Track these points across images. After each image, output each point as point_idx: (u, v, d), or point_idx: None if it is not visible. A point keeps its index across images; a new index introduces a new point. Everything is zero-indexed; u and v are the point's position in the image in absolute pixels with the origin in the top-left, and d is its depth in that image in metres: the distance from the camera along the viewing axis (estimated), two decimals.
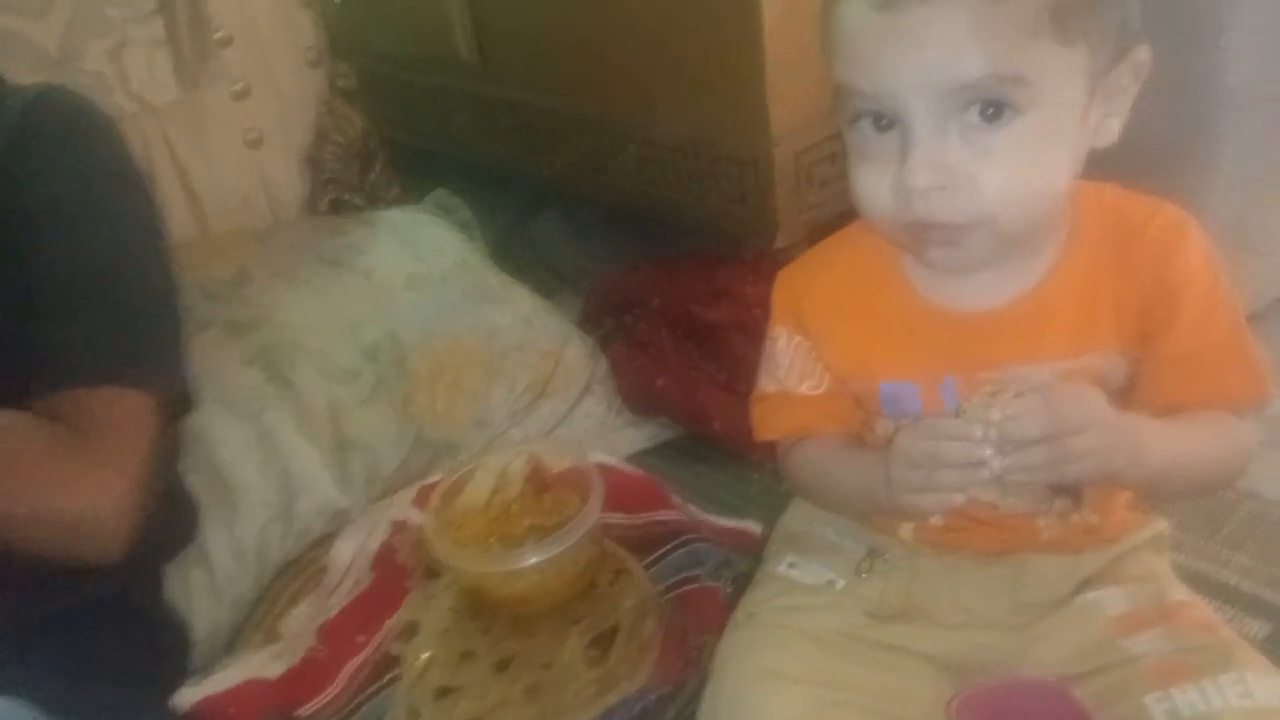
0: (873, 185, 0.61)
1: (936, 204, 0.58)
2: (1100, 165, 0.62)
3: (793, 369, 0.72)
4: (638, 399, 1.18)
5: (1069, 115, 0.58)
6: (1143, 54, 0.60)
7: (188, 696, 0.82)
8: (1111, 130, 0.61)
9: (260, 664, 0.86)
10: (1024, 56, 0.55)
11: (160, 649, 0.85)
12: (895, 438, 0.62)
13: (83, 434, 0.71)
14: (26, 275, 0.74)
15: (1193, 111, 1.12)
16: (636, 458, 1.10)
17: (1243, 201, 1.16)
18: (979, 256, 0.62)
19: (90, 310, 0.75)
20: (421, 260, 1.19)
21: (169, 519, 0.86)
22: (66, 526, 0.70)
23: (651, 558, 0.90)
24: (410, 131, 1.52)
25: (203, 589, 0.92)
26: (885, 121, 0.59)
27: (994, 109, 0.56)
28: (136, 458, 0.73)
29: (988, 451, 0.57)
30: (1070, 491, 0.65)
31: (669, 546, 0.90)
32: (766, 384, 0.74)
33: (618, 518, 0.92)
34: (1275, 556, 0.94)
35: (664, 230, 1.28)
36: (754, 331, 1.06)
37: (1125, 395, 0.66)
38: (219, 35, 1.16)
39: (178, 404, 0.82)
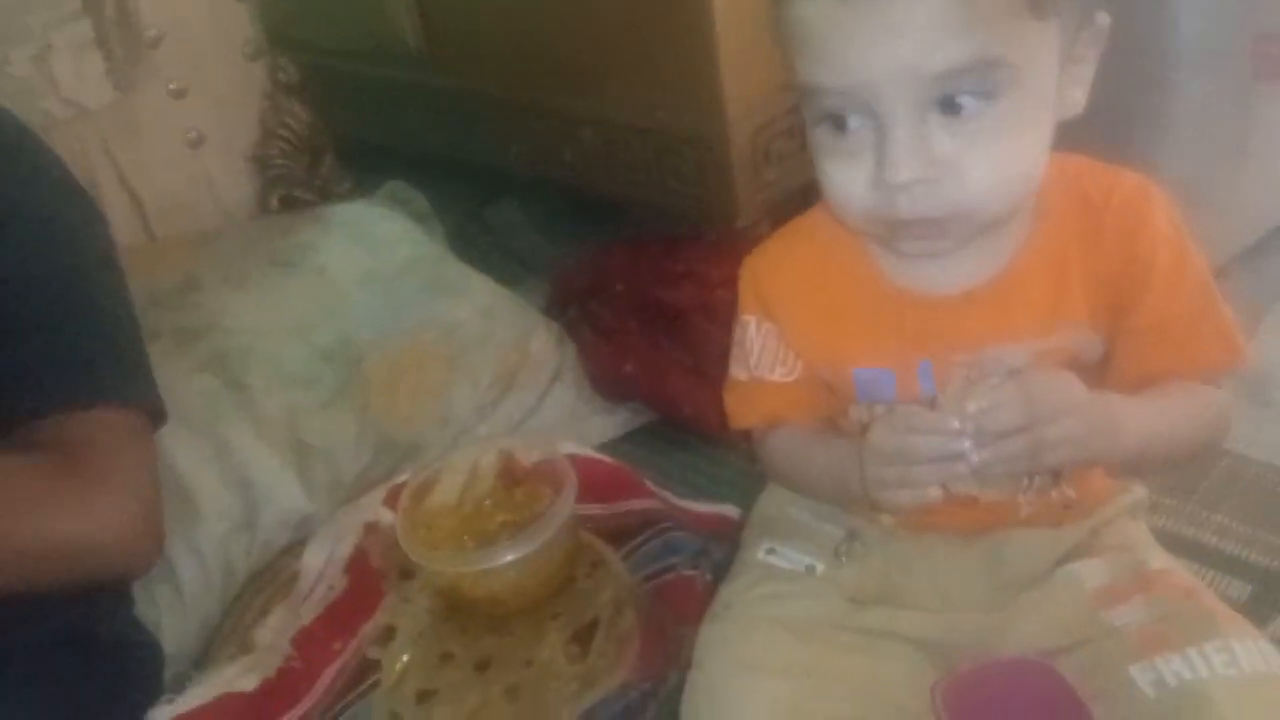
0: (847, 183, 0.59)
1: (921, 197, 0.56)
2: (1059, 130, 0.61)
3: (763, 356, 0.71)
4: (607, 385, 1.17)
5: (1045, 92, 0.57)
6: (1102, 19, 0.59)
7: (162, 715, 0.80)
8: (1076, 101, 0.60)
9: (234, 677, 0.84)
10: (1001, 38, 0.54)
11: (132, 670, 0.83)
12: (869, 433, 0.61)
13: (85, 458, 0.70)
14: None
15: (1145, 69, 1.13)
16: (609, 445, 1.09)
17: (1197, 158, 1.16)
18: (957, 244, 0.61)
19: (67, 328, 0.72)
20: (375, 256, 1.17)
21: None
22: (97, 556, 0.70)
23: (628, 547, 0.89)
24: (361, 125, 1.49)
25: (170, 604, 0.90)
26: (856, 120, 0.57)
27: (972, 94, 0.54)
28: (147, 473, 0.74)
29: (965, 444, 0.56)
30: (1047, 471, 0.65)
31: (645, 535, 0.89)
32: (738, 372, 0.73)
33: (593, 508, 0.91)
34: (1253, 515, 0.95)
35: (624, 214, 1.27)
36: (718, 313, 1.05)
37: (1099, 371, 0.65)
38: (150, 34, 1.13)
39: (157, 417, 0.80)
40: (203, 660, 0.90)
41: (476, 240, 1.47)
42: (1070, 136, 0.63)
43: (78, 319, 0.73)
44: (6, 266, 0.71)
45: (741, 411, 0.74)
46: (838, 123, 0.57)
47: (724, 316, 0.75)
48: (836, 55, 0.55)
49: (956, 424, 0.56)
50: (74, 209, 0.78)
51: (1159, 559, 0.69)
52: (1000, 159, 0.56)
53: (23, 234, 0.73)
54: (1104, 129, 0.63)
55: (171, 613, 0.89)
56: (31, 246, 0.73)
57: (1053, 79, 0.57)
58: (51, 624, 0.75)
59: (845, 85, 0.56)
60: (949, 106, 0.55)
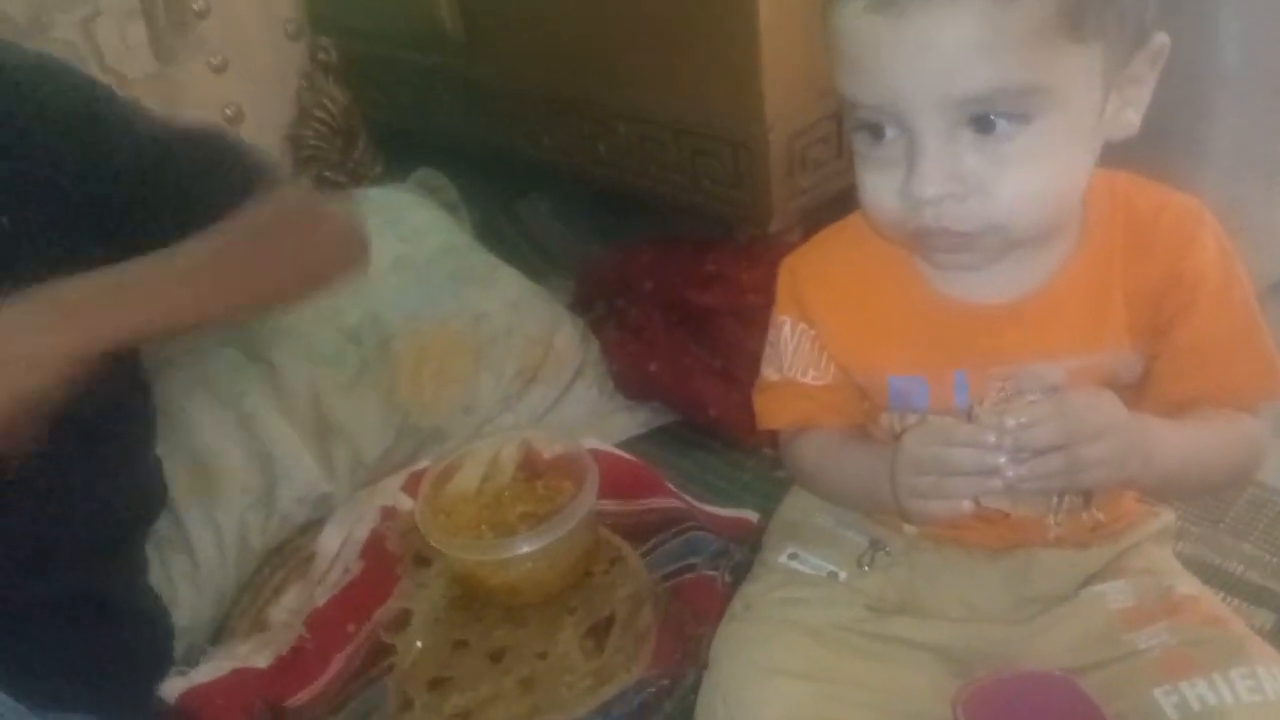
0: (880, 192, 0.59)
1: (948, 212, 0.57)
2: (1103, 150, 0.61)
3: (796, 358, 0.71)
4: (630, 384, 1.16)
5: (1085, 115, 0.56)
6: (1160, 40, 0.58)
7: (174, 687, 0.80)
8: (1130, 122, 0.59)
9: (247, 654, 0.84)
10: (1036, 63, 0.53)
11: (142, 638, 0.83)
12: (902, 440, 0.60)
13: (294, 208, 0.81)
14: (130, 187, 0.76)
15: (1187, 94, 1.12)
16: (630, 444, 1.09)
17: (1237, 185, 1.16)
18: (989, 258, 0.61)
19: (202, 156, 0.79)
20: (406, 241, 1.17)
21: (136, 492, 0.85)
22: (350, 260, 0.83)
23: (647, 546, 0.88)
24: (394, 111, 1.49)
25: (184, 576, 0.90)
26: (891, 131, 0.57)
27: (1005, 117, 0.54)
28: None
29: (1001, 459, 0.56)
30: (1080, 491, 0.64)
31: (665, 535, 0.89)
32: (770, 372, 0.73)
33: (612, 505, 0.91)
34: (1279, 545, 0.95)
35: (655, 213, 1.26)
36: (747, 317, 1.05)
37: (1138, 391, 0.65)
38: (196, 7, 1.13)
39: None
40: (217, 635, 0.90)
41: (505, 232, 1.47)
42: (1109, 159, 0.62)
43: (198, 146, 0.80)
44: (120, 155, 0.75)
45: (771, 412, 0.74)
46: (874, 132, 0.58)
47: (752, 320, 0.75)
48: (872, 70, 0.56)
49: (993, 438, 0.56)
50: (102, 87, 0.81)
51: (1186, 584, 0.69)
52: (1030, 181, 0.56)
53: (111, 122, 0.76)
54: (1143, 153, 0.63)
55: (186, 584, 0.89)
56: (123, 127, 0.76)
57: (1094, 102, 0.56)
58: (63, 582, 0.75)
59: (879, 100, 0.56)
60: (980, 126, 0.55)
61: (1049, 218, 0.59)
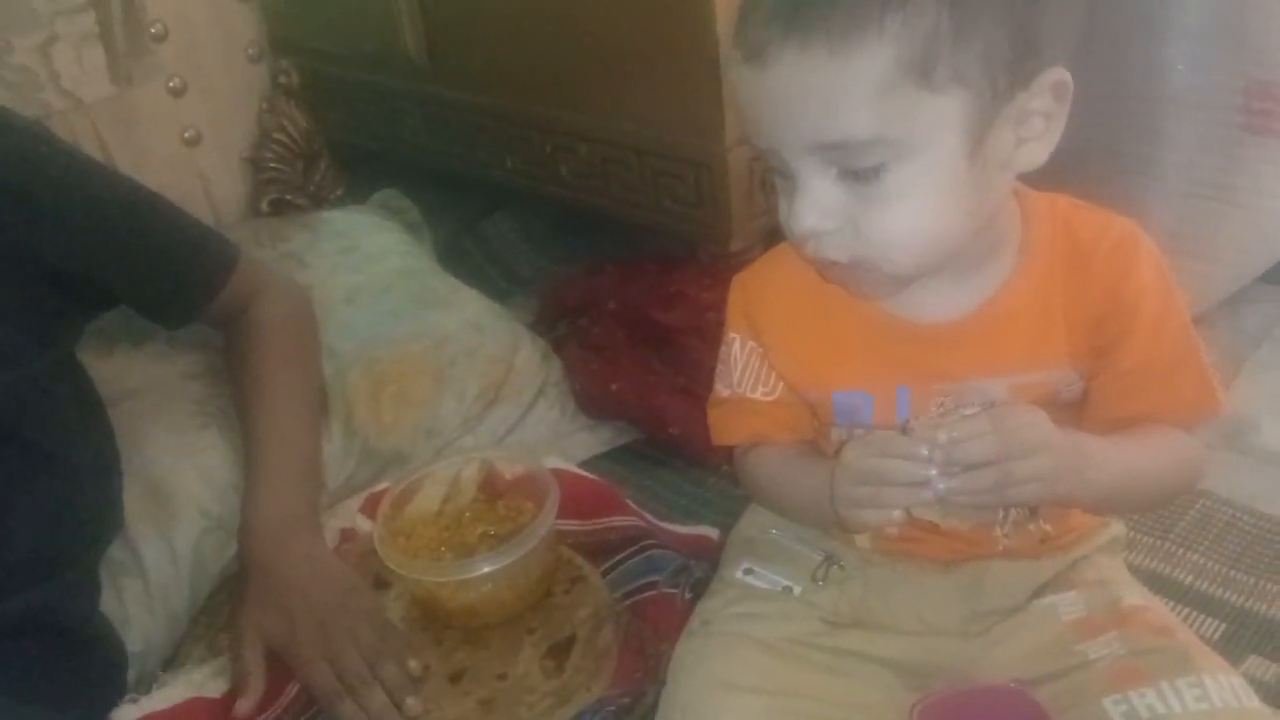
0: (784, 223, 0.62)
1: (822, 244, 0.60)
2: (1041, 170, 0.62)
3: (746, 375, 0.72)
4: (593, 403, 1.17)
5: (950, 159, 0.57)
6: (1056, 76, 0.58)
7: (127, 715, 0.78)
8: (1033, 155, 0.59)
9: (202, 681, 0.82)
10: (882, 114, 0.55)
11: (96, 662, 0.82)
12: (842, 452, 0.62)
13: (262, 294, 0.91)
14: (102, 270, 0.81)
15: (1133, 116, 1.14)
16: (592, 462, 1.09)
17: (1183, 206, 1.18)
18: (880, 289, 0.63)
19: (174, 231, 0.86)
20: (363, 271, 1.17)
21: (91, 514, 0.84)
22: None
23: (608, 564, 0.88)
24: (357, 132, 1.49)
25: (137, 600, 0.88)
26: (780, 170, 0.60)
27: (867, 163, 0.56)
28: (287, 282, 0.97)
29: (932, 471, 0.57)
30: (1018, 505, 0.65)
31: (626, 553, 0.89)
32: (721, 389, 0.74)
33: (573, 524, 0.90)
34: (1228, 555, 0.96)
35: (618, 232, 1.27)
36: (709, 335, 1.05)
37: (1077, 410, 0.66)
38: (154, 30, 1.12)
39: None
40: (170, 661, 0.88)
41: (468, 252, 1.47)
42: (1059, 179, 0.64)
43: (170, 220, 0.87)
44: (84, 219, 0.79)
45: (723, 428, 0.75)
46: (775, 168, 0.61)
47: (714, 338, 0.76)
48: (751, 116, 0.59)
49: (925, 451, 0.57)
50: (61, 145, 0.84)
51: (1135, 595, 0.70)
52: (895, 221, 0.58)
53: (66, 193, 0.78)
54: (1091, 172, 0.64)
55: (139, 608, 0.88)
56: (94, 198, 0.80)
57: (960, 145, 0.57)
58: (13, 604, 0.75)
59: (762, 143, 0.60)
60: (847, 170, 0.57)
61: (928, 254, 0.60)
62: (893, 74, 0.54)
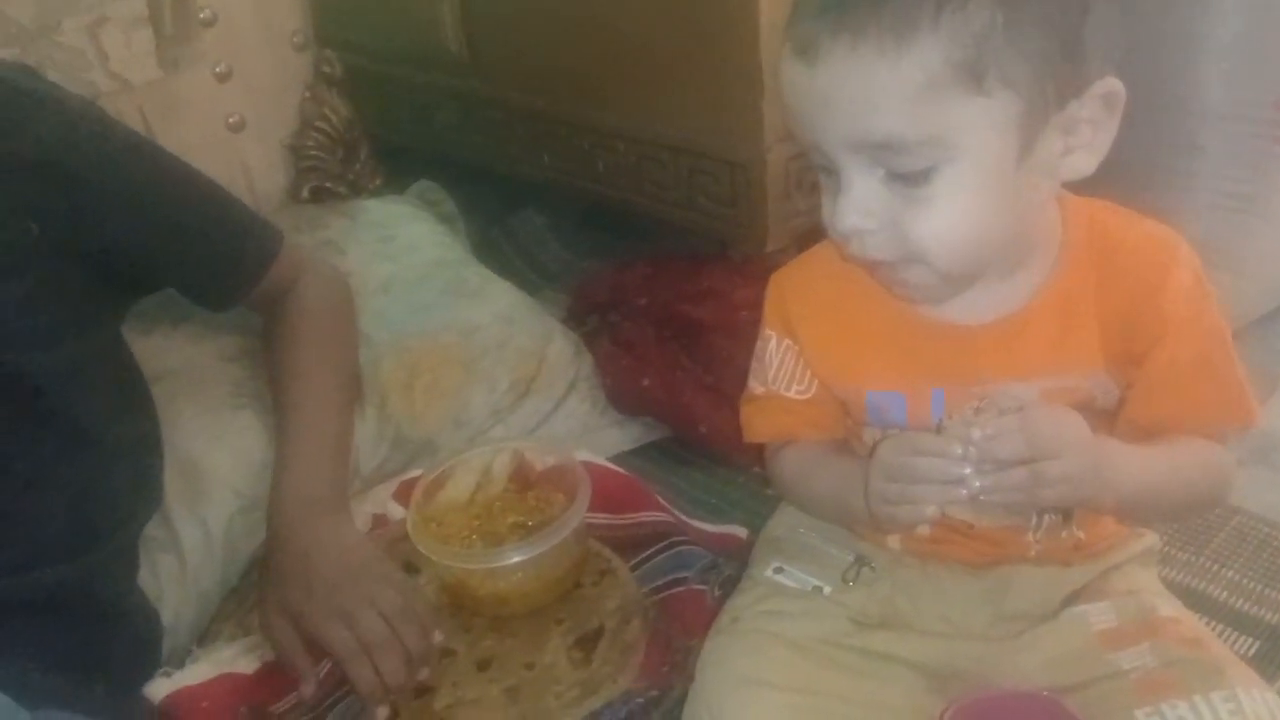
0: (826, 221, 0.62)
1: (865, 243, 0.60)
2: (1079, 183, 0.62)
3: (781, 372, 0.72)
4: (623, 399, 1.17)
5: (996, 163, 0.57)
6: (1109, 86, 0.58)
7: (160, 688, 0.79)
8: (1081, 163, 0.60)
9: (233, 658, 0.84)
10: (930, 115, 0.55)
11: (131, 636, 0.83)
12: (876, 449, 0.62)
13: (304, 278, 0.93)
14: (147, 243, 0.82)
15: (1171, 129, 1.14)
16: (621, 458, 1.09)
17: (1221, 220, 1.17)
18: (928, 290, 0.63)
19: (220, 213, 0.88)
20: (399, 260, 1.18)
21: (131, 492, 0.85)
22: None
23: (637, 559, 0.89)
24: (394, 126, 1.50)
25: (171, 577, 0.89)
26: (826, 168, 0.60)
27: (913, 163, 0.56)
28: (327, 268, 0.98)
29: (966, 470, 0.57)
30: (1055, 508, 0.65)
31: (655, 548, 0.89)
32: (755, 385, 0.74)
33: (603, 518, 0.91)
34: (1262, 572, 0.95)
35: (651, 230, 1.28)
36: (740, 334, 1.06)
37: (1112, 416, 0.66)
38: (203, 15, 1.14)
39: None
40: (201, 637, 0.89)
41: (501, 247, 1.48)
42: (1092, 190, 0.64)
43: (218, 203, 0.88)
44: (132, 200, 0.80)
45: (756, 425, 0.75)
46: (819, 168, 0.61)
47: (745, 337, 0.76)
48: (799, 114, 0.59)
49: (959, 449, 0.58)
50: (114, 124, 0.84)
51: (1168, 607, 0.70)
52: (939, 223, 0.58)
53: (118, 173, 0.79)
54: (1128, 186, 0.64)
55: (172, 585, 0.89)
56: (143, 180, 0.81)
57: (1009, 151, 0.57)
58: (48, 577, 0.75)
59: (809, 141, 0.59)
60: (893, 169, 0.57)
61: (969, 257, 0.61)
62: (942, 74, 0.54)
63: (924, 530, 0.70)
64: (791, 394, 0.72)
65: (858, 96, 0.55)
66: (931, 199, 0.57)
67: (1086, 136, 0.59)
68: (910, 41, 0.54)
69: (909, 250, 0.59)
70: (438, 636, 0.80)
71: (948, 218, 0.58)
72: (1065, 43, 0.56)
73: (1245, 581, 0.94)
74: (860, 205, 0.58)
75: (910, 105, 0.55)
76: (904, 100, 0.55)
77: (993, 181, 0.58)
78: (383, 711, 0.77)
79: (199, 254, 0.86)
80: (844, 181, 0.58)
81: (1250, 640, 0.88)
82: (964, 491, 0.58)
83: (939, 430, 0.59)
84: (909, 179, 0.57)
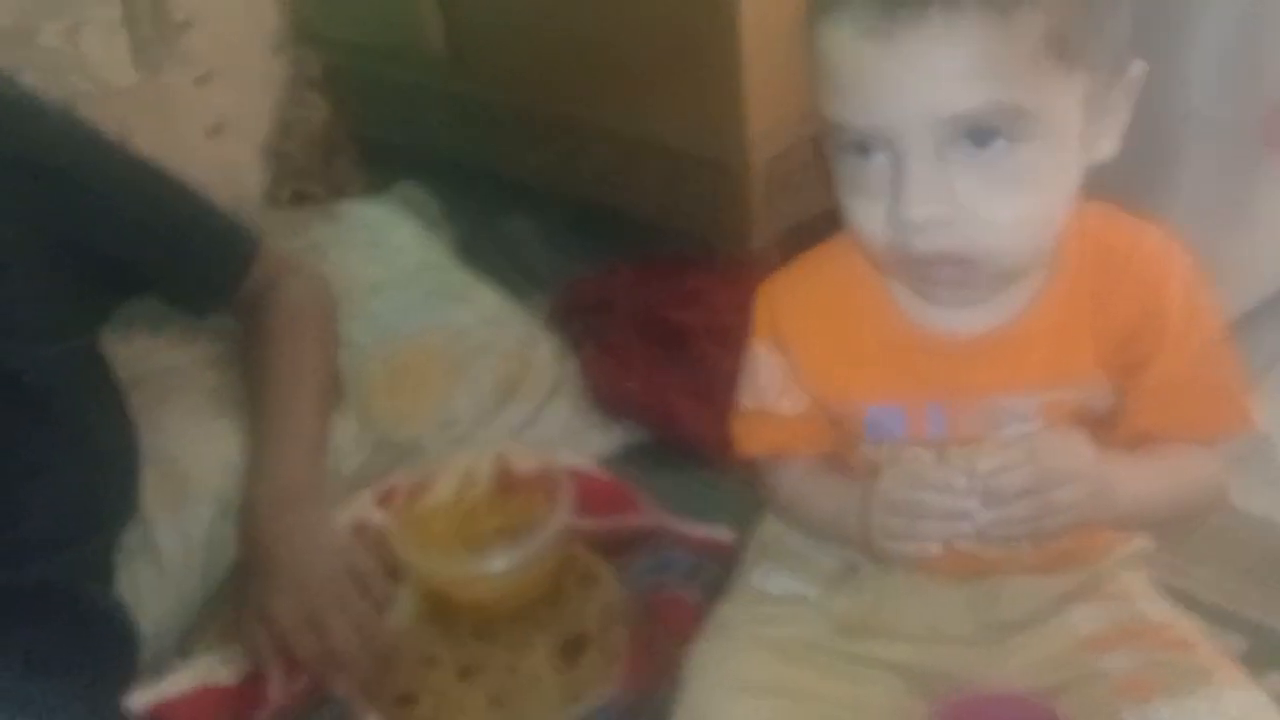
0: (867, 217, 0.59)
1: (935, 237, 0.56)
2: None
3: (771, 386, 0.71)
4: (607, 402, 1.16)
5: (1068, 141, 0.57)
6: (1138, 69, 0.59)
7: (139, 700, 0.78)
8: (1104, 150, 0.60)
9: (212, 668, 0.83)
10: (1026, 85, 0.54)
11: (106, 640, 0.82)
12: (879, 481, 0.61)
13: (284, 280, 0.92)
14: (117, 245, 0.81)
15: (1153, 133, 1.13)
16: (605, 461, 1.08)
17: (1203, 224, 1.17)
18: (983, 289, 0.61)
19: (197, 216, 0.87)
20: (381, 263, 1.17)
21: (109, 491, 0.85)
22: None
23: (620, 562, 0.88)
24: (378, 125, 1.49)
25: (150, 583, 0.89)
26: (879, 154, 0.57)
27: (993, 139, 0.55)
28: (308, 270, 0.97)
29: (971, 504, 0.56)
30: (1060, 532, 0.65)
31: (639, 552, 0.89)
32: (745, 400, 0.73)
33: (587, 521, 0.90)
34: (1245, 571, 0.96)
35: (635, 232, 1.27)
36: (725, 337, 1.05)
37: (1109, 423, 0.65)
38: (180, 18, 1.13)
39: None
40: (181, 645, 0.88)
41: (485, 249, 1.46)
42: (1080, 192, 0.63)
43: (196, 206, 0.88)
44: (113, 203, 0.80)
45: (747, 440, 0.74)
46: (860, 153, 0.57)
47: (730, 339, 0.76)
48: (858, 91, 0.55)
49: (964, 482, 0.57)
50: (92, 130, 0.84)
51: (1157, 609, 0.69)
52: (1016, 204, 0.56)
53: (98, 176, 0.79)
54: (1109, 189, 0.63)
55: (150, 592, 0.88)
56: (125, 183, 0.81)
57: (1076, 128, 0.57)
58: (27, 576, 0.75)
59: (868, 122, 0.56)
60: (967, 148, 0.55)
61: (1035, 243, 0.59)
62: (1041, 44, 0.53)
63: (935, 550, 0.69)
64: (783, 408, 0.70)
65: (956, 66, 0.53)
66: (1005, 178, 0.55)
67: (1112, 122, 0.59)
68: (1012, 12, 0.52)
69: (975, 239, 0.56)
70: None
71: (1020, 199, 0.56)
72: (1126, 22, 0.57)
73: (1226, 580, 0.95)
74: (932, 191, 0.55)
75: (1009, 74, 0.53)
76: (1004, 68, 0.53)
77: (1065, 162, 0.57)
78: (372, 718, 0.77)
79: (177, 258, 0.85)
80: (910, 167, 0.55)
81: (1239, 639, 0.88)
82: (969, 525, 0.57)
83: (940, 459, 0.58)
84: (986, 156, 0.55)
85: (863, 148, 0.57)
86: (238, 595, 0.84)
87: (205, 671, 0.82)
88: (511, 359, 1.14)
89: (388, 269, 1.17)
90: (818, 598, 0.72)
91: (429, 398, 1.09)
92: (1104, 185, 0.62)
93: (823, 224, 0.68)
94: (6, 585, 0.74)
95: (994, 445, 0.58)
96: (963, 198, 0.55)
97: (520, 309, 1.21)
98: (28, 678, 0.72)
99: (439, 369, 1.11)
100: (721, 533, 0.94)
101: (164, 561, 0.90)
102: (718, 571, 0.83)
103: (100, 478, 0.81)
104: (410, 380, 1.09)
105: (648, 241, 1.27)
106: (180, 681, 0.80)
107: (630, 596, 0.85)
